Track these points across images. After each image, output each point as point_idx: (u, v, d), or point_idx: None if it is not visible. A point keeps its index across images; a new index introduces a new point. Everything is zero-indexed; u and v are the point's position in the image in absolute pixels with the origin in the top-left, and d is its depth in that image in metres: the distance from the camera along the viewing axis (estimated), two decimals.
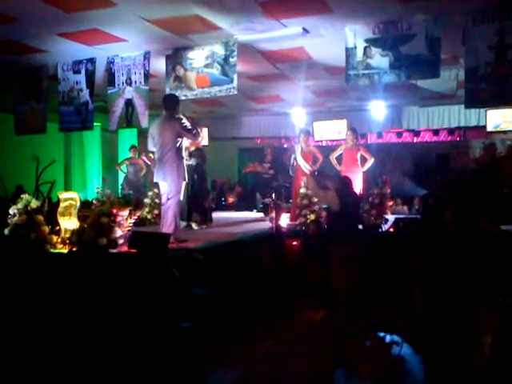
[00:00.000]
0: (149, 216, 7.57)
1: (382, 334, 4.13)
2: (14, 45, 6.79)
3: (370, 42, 6.03)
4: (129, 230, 4.71)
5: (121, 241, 4.48)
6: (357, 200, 6.35)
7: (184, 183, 5.50)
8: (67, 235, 4.61)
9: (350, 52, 6.16)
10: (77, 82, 7.67)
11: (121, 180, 10.48)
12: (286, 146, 12.57)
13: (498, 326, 3.98)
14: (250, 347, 3.71)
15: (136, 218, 5.05)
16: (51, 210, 4.90)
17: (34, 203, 4.73)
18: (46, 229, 4.63)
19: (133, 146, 10.30)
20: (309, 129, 10.39)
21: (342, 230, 5.63)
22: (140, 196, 8.26)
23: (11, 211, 4.72)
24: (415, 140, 11.95)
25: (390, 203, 7.04)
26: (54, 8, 5.47)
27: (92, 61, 7.48)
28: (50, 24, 6.01)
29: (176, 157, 5.36)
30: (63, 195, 4.82)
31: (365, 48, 6.08)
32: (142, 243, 4.45)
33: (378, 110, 10.39)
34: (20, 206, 4.71)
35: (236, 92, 6.74)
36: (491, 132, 9.87)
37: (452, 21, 5.58)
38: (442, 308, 4.61)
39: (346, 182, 6.26)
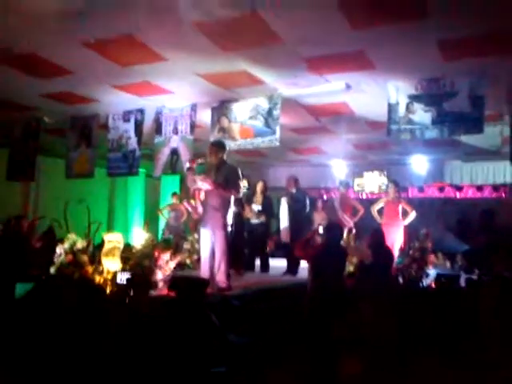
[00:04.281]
0: (188, 261, 7.66)
1: None
2: (69, 95, 7.19)
3: (413, 98, 6.10)
4: (169, 274, 4.80)
5: (161, 283, 4.57)
6: (389, 253, 6.22)
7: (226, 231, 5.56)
8: (110, 276, 4.73)
9: (392, 107, 6.24)
10: (126, 131, 8.00)
11: (162, 225, 10.70)
12: (325, 197, 12.60)
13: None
14: None
15: (176, 261, 5.15)
16: (95, 251, 5.05)
17: (80, 243, 4.91)
18: (90, 269, 4.77)
19: (175, 193, 10.56)
20: (348, 181, 10.45)
21: (374, 283, 5.49)
22: (179, 241, 8.39)
23: (58, 250, 4.90)
24: (458, 195, 11.77)
25: (432, 257, 6.89)
26: (110, 62, 5.81)
27: (141, 111, 7.81)
28: (104, 76, 6.38)
29: (218, 204, 5.49)
30: (108, 236, 4.97)
31: (407, 104, 6.15)
32: (182, 287, 4.50)
33: (419, 163, 10.35)
34: (66, 245, 4.89)
35: (278, 143, 6.88)
36: None
37: (496, 77, 5.62)
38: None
39: (378, 235, 6.15)
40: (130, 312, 3.95)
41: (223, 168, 5.64)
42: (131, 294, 4.28)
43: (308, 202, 7.62)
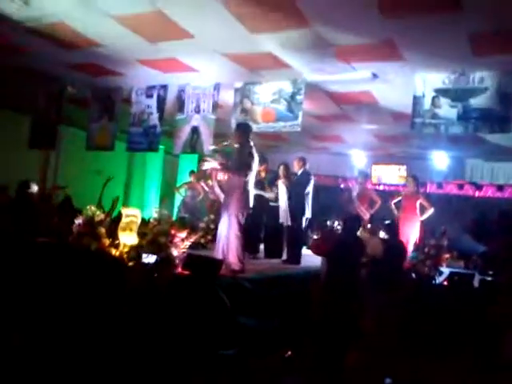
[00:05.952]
0: (202, 240, 7.70)
1: None
2: (96, 67, 7.22)
3: (440, 91, 5.99)
4: (184, 252, 4.84)
5: (176, 261, 4.61)
6: (401, 247, 6.19)
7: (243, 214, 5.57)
8: (126, 250, 4.77)
9: (417, 100, 6.13)
10: (148, 106, 8.00)
11: (177, 203, 10.76)
12: (342, 186, 12.53)
13: None
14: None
15: (192, 240, 5.18)
16: (112, 224, 5.10)
17: (98, 216, 4.96)
18: (107, 241, 4.82)
19: (192, 172, 10.60)
20: (367, 171, 10.37)
21: (385, 275, 5.48)
22: (195, 220, 8.44)
23: (76, 221, 4.97)
24: (477, 194, 11.60)
25: (447, 255, 6.85)
26: (138, 36, 5.81)
27: (165, 87, 7.79)
28: (132, 51, 6.38)
29: (232, 186, 5.53)
30: (126, 211, 5.00)
31: (433, 97, 6.03)
32: (196, 266, 4.55)
33: (439, 159, 10.22)
34: (85, 216, 4.95)
35: (299, 129, 6.84)
36: None
37: None
38: None
39: (392, 228, 6.13)
40: (151, 290, 4.01)
41: (240, 150, 5.66)
42: (156, 275, 4.36)
43: (311, 185, 7.52)
